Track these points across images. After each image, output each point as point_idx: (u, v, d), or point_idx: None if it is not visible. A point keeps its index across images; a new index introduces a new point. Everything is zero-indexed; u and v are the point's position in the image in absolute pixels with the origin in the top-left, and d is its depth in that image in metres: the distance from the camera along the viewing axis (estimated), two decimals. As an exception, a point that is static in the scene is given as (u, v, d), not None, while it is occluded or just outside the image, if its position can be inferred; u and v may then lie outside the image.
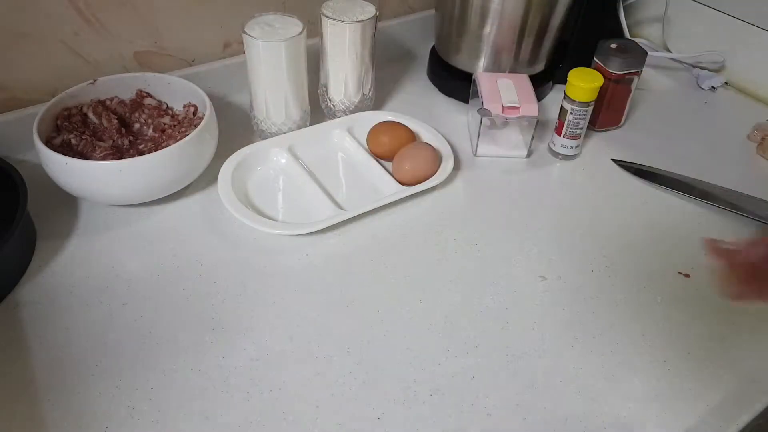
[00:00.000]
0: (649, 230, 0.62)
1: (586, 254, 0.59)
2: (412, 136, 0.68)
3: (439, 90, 0.82)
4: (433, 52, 0.84)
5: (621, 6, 0.84)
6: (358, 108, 0.73)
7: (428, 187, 0.64)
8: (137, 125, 0.66)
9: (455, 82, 0.79)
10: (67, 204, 0.61)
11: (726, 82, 0.86)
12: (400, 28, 0.87)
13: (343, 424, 0.45)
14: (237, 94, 0.77)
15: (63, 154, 0.54)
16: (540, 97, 0.80)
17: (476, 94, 0.70)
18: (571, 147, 0.70)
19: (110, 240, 0.58)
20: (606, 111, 0.74)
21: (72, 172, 0.55)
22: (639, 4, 0.92)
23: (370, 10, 0.67)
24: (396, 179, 0.64)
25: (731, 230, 0.63)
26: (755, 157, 0.74)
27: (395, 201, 0.62)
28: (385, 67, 0.85)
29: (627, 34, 0.86)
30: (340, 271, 0.56)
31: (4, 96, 0.64)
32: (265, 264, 0.57)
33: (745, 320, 0.54)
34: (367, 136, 0.69)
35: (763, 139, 0.74)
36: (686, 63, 0.89)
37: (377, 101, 0.78)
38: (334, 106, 0.72)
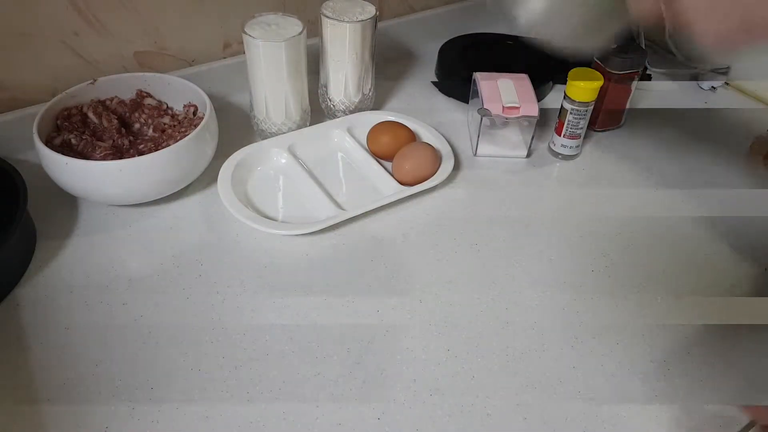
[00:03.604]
0: (649, 230, 0.62)
1: (586, 254, 0.59)
2: (412, 136, 0.68)
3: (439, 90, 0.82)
4: (442, 52, 0.84)
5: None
6: (358, 108, 0.73)
7: (428, 187, 0.64)
8: (137, 125, 0.66)
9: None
10: (67, 204, 0.61)
11: (726, 82, 0.86)
12: (400, 28, 0.87)
13: (343, 424, 0.45)
14: (237, 94, 0.77)
15: (63, 154, 0.54)
16: (540, 97, 0.80)
17: (476, 93, 0.70)
18: (571, 147, 0.70)
19: (110, 240, 0.58)
20: (606, 111, 0.74)
21: (72, 172, 0.55)
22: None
23: (370, 10, 0.67)
24: (396, 179, 0.64)
25: (735, 232, 0.63)
26: (755, 156, 0.73)
27: (395, 201, 0.62)
28: (385, 67, 0.85)
29: (642, 37, 0.86)
30: (340, 271, 0.56)
31: (4, 96, 0.64)
32: (265, 264, 0.57)
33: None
34: (367, 136, 0.69)
35: (766, 157, 0.73)
36: (691, 66, 0.88)
37: (377, 101, 0.78)
38: (334, 106, 0.72)
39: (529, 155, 0.71)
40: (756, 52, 0.33)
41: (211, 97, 0.63)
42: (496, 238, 0.61)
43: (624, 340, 0.52)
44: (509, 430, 0.45)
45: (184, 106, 0.66)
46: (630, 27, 0.47)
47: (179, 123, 0.65)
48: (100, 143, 0.60)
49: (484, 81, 0.70)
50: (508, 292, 0.55)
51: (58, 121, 0.60)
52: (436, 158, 0.65)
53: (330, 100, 0.72)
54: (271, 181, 0.65)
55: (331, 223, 0.59)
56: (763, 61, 0.78)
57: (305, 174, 0.64)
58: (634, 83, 0.72)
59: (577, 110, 0.68)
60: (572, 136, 0.69)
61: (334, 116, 0.73)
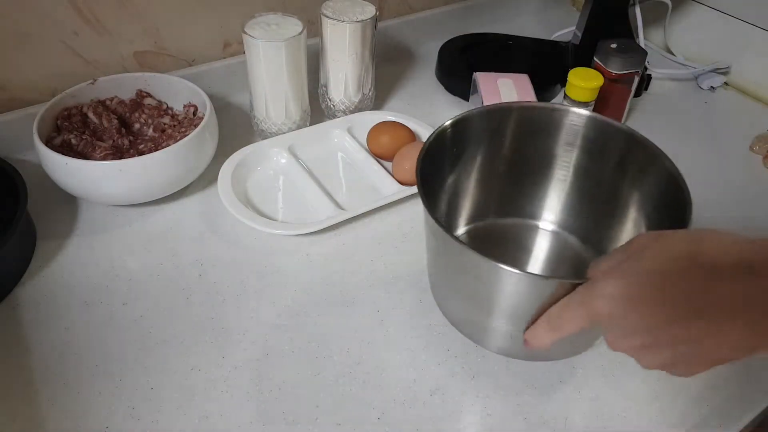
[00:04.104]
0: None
1: (586, 254, 0.59)
2: (412, 136, 0.68)
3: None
4: (442, 51, 0.84)
5: (638, 7, 0.84)
6: (358, 108, 0.73)
7: (428, 187, 0.64)
8: (137, 125, 0.66)
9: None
10: (67, 204, 0.61)
11: (725, 83, 0.86)
12: (400, 28, 0.87)
13: (343, 424, 0.45)
14: (237, 94, 0.77)
15: (63, 154, 0.54)
16: (547, 99, 0.80)
17: (475, 91, 0.70)
18: (571, 147, 0.70)
19: (110, 240, 0.58)
20: (606, 111, 0.74)
21: (72, 172, 0.55)
22: (642, 6, 0.92)
23: (370, 10, 0.67)
24: (396, 179, 0.64)
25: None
26: (755, 156, 0.73)
27: (395, 201, 0.62)
28: (385, 66, 0.85)
29: (641, 36, 0.86)
30: (340, 271, 0.56)
31: (4, 96, 0.64)
32: (265, 264, 0.57)
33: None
34: (367, 136, 0.69)
35: (766, 157, 0.72)
36: (691, 66, 0.88)
37: (377, 101, 0.78)
38: (334, 105, 0.72)
39: (529, 155, 0.71)
40: None
41: (211, 97, 0.63)
42: (496, 238, 0.60)
43: (624, 340, 0.51)
44: (509, 430, 0.45)
45: (184, 106, 0.66)
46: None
47: (179, 123, 0.65)
48: (100, 143, 0.60)
49: (484, 81, 0.70)
50: (508, 292, 0.55)
51: (58, 121, 0.60)
52: (436, 158, 0.65)
53: (330, 100, 0.72)
54: (271, 181, 0.65)
55: (331, 223, 0.59)
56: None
57: (305, 174, 0.64)
58: (634, 83, 0.72)
59: (577, 110, 0.68)
60: (572, 136, 0.69)
61: (334, 116, 0.73)
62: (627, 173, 0.50)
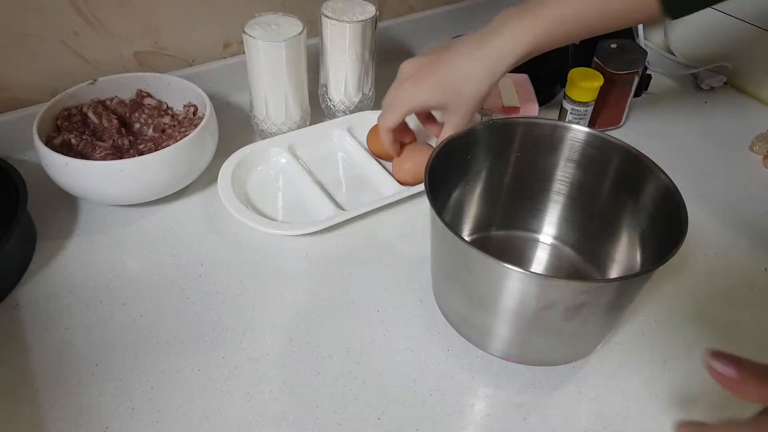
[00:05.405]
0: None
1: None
2: (412, 136, 0.68)
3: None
4: None
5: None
6: (358, 108, 0.73)
7: (428, 187, 0.63)
8: (137, 125, 0.66)
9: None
10: (67, 204, 0.61)
11: (725, 82, 0.86)
12: (400, 28, 0.87)
13: (343, 424, 0.45)
14: (237, 94, 0.77)
15: (63, 154, 0.54)
16: (549, 99, 0.80)
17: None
18: (571, 147, 0.70)
19: (110, 240, 0.58)
20: (606, 111, 0.74)
21: (72, 172, 0.55)
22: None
23: (370, 10, 0.67)
24: (396, 179, 0.64)
25: (734, 232, 0.63)
26: (755, 156, 0.73)
27: (395, 201, 0.62)
28: (386, 66, 0.85)
29: (641, 36, 0.86)
30: (341, 271, 0.56)
31: (4, 96, 0.64)
32: (265, 264, 0.57)
33: (745, 319, 0.54)
34: (367, 136, 0.69)
35: (766, 157, 0.72)
36: (691, 66, 0.88)
37: (377, 101, 0.77)
38: (334, 105, 0.72)
39: (529, 155, 0.71)
40: None
41: (211, 97, 0.63)
42: (496, 238, 0.60)
43: (624, 340, 0.52)
44: (509, 430, 0.45)
45: (184, 106, 0.66)
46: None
47: (179, 123, 0.65)
48: (100, 143, 0.60)
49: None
50: (508, 292, 0.55)
51: (58, 121, 0.60)
52: (436, 158, 0.65)
53: (330, 100, 0.72)
54: (271, 181, 0.65)
55: (331, 223, 0.59)
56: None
57: (305, 174, 0.64)
58: (634, 83, 0.72)
59: (577, 110, 0.68)
60: (572, 136, 0.69)
61: (334, 116, 0.73)
62: (623, 188, 0.51)
